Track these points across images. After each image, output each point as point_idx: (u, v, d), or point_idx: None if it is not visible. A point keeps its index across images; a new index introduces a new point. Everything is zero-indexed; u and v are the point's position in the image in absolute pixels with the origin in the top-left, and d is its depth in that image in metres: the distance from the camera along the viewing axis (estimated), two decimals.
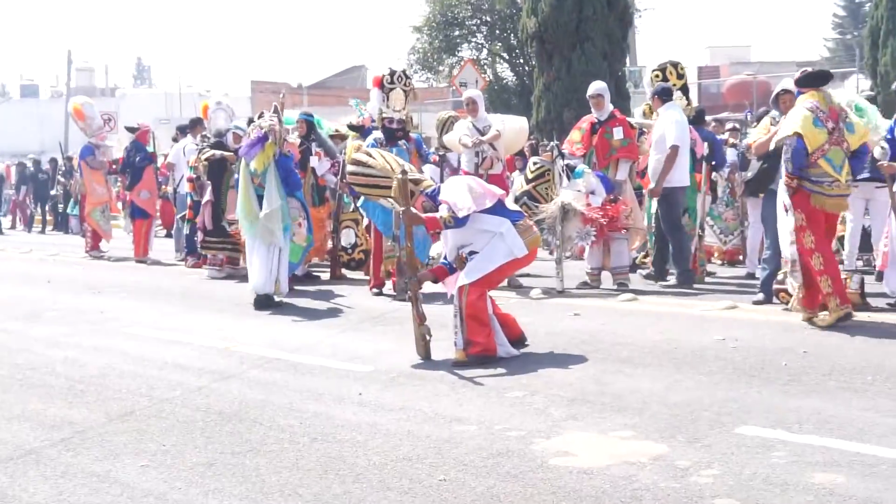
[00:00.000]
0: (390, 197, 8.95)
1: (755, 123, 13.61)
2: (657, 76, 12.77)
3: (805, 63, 50.46)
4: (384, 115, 12.37)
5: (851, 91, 30.17)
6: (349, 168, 9.44)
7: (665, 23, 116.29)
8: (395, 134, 12.32)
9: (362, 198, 12.32)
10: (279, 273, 11.72)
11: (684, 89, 12.59)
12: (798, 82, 9.63)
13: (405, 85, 12.57)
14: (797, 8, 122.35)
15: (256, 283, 11.64)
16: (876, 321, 9.55)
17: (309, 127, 14.07)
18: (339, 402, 7.06)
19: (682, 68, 12.70)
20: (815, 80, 9.50)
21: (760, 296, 10.69)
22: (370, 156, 9.17)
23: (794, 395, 6.82)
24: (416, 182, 8.75)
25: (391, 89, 12.48)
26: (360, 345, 9.19)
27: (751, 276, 12.94)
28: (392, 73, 12.64)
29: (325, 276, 14.07)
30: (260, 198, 11.56)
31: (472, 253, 8.49)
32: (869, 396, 6.70)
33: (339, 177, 13.53)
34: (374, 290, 12.44)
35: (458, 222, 8.25)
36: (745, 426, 6.07)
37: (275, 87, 53.09)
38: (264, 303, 11.58)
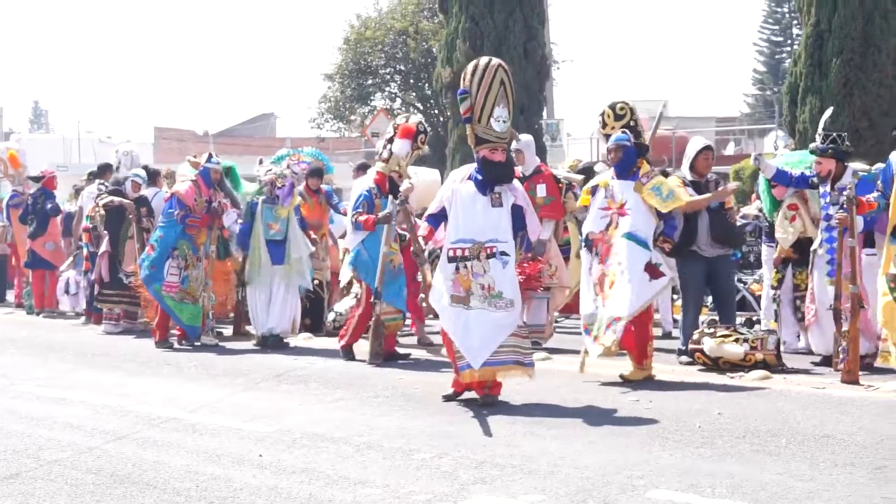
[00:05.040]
0: None
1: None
2: (600, 122, 12.11)
3: (725, 119, 51.54)
4: (394, 169, 11.73)
5: (770, 147, 30.92)
6: None
7: (584, 76, 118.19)
8: (398, 189, 11.67)
9: (351, 256, 12.01)
10: (296, 314, 12.95)
11: (630, 131, 11.70)
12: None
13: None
14: (717, 64, 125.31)
15: (273, 324, 12.68)
16: (792, 383, 9.73)
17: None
18: (238, 463, 7.00)
19: (621, 108, 11.10)
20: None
21: (684, 357, 10.85)
22: None
23: (707, 458, 6.92)
24: None
25: (417, 149, 11.97)
26: (262, 404, 9.13)
27: (667, 335, 13.09)
28: (426, 133, 12.15)
29: (228, 331, 13.94)
30: (274, 243, 12.70)
31: (503, 254, 8.71)
32: (783, 460, 6.81)
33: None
34: (345, 350, 11.73)
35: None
36: (656, 490, 6.13)
37: (179, 133, 52.90)
38: (279, 344, 12.65)
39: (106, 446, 7.56)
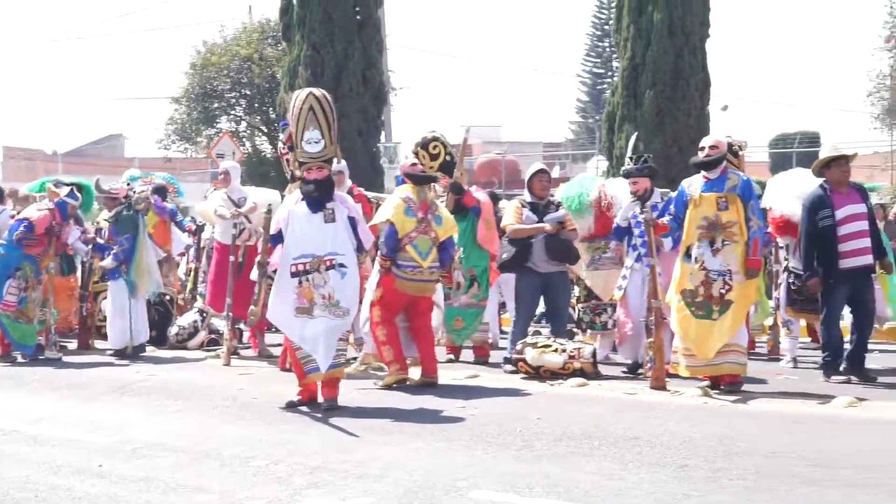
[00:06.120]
0: None
1: None
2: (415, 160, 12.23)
3: (551, 144, 52.40)
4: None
5: (592, 170, 31.61)
6: None
7: (421, 101, 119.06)
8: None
9: None
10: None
11: (445, 166, 11.75)
12: (407, 175, 10.45)
13: None
14: (544, 92, 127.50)
15: (140, 335, 12.75)
16: (606, 389, 9.95)
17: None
18: (78, 474, 6.83)
19: (434, 147, 11.67)
20: (418, 179, 10.40)
21: (510, 366, 10.99)
22: None
23: (526, 459, 7.02)
24: None
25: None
26: (103, 415, 8.93)
27: (493, 345, 13.23)
28: None
29: (73, 345, 13.57)
30: None
31: (341, 265, 8.87)
32: (595, 461, 6.96)
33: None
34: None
35: None
36: (479, 491, 6.20)
37: (28, 153, 51.31)
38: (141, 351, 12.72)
39: None
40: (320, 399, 9.06)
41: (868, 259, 10.40)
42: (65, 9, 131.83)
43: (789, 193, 11.47)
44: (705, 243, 9.65)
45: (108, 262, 12.76)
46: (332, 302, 8.87)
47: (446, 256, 10.37)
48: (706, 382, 9.73)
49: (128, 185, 13.37)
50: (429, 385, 10.12)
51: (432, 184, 11.43)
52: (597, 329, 11.77)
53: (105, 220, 13.21)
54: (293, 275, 8.96)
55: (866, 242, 10.39)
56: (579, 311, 12.22)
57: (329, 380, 9.00)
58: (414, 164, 10.66)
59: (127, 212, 12.84)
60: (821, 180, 10.67)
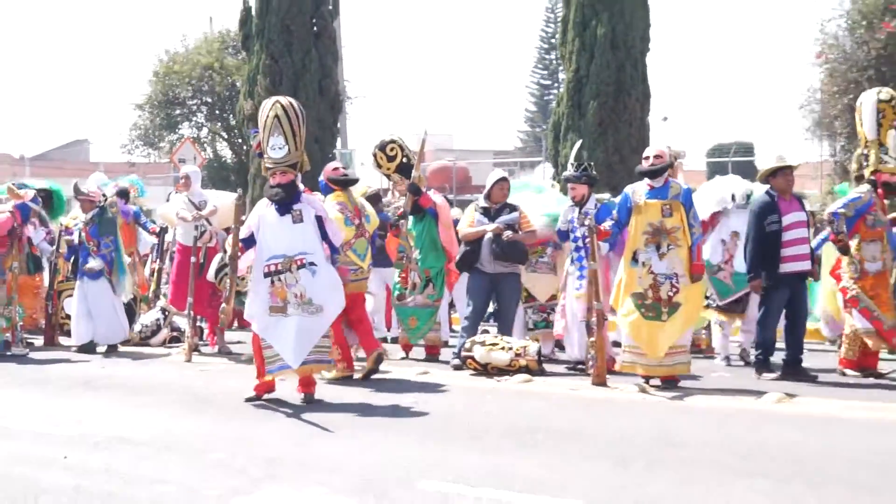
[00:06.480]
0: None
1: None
2: (374, 163, 12.38)
3: (501, 152, 52.46)
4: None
5: (538, 177, 31.73)
6: None
7: (376, 110, 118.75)
8: None
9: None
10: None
11: (402, 168, 12.04)
12: (331, 180, 10.58)
13: None
14: (494, 102, 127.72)
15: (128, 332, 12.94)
16: (550, 385, 10.02)
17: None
18: (43, 465, 6.79)
19: (392, 149, 11.95)
20: (344, 183, 10.61)
21: (456, 361, 11.03)
22: None
23: (474, 451, 7.07)
24: None
25: None
26: (68, 409, 8.87)
27: (444, 343, 13.25)
28: None
29: (39, 342, 13.47)
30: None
31: (311, 264, 8.88)
32: (539, 453, 7.00)
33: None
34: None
35: None
36: (429, 482, 6.22)
37: None
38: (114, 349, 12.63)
39: None
40: (277, 394, 9.07)
41: (807, 265, 10.55)
42: (35, 13, 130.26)
43: (707, 198, 11.72)
44: (651, 248, 9.75)
45: (96, 262, 12.65)
46: (304, 300, 8.89)
47: (374, 247, 10.77)
48: (643, 380, 9.84)
49: (97, 188, 13.34)
50: (377, 362, 10.27)
51: (392, 188, 11.56)
52: (548, 328, 11.78)
53: (84, 221, 13.02)
54: (266, 275, 8.99)
55: (806, 249, 10.56)
56: (525, 311, 12.16)
57: (303, 378, 9.05)
58: (336, 169, 10.75)
59: (107, 214, 12.80)
60: (746, 184, 10.93)
